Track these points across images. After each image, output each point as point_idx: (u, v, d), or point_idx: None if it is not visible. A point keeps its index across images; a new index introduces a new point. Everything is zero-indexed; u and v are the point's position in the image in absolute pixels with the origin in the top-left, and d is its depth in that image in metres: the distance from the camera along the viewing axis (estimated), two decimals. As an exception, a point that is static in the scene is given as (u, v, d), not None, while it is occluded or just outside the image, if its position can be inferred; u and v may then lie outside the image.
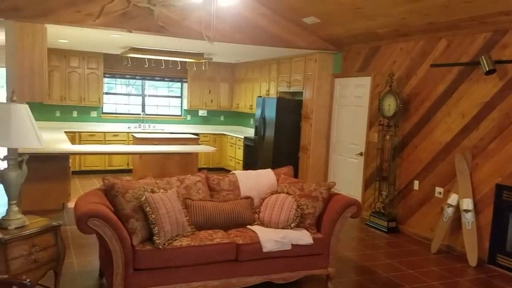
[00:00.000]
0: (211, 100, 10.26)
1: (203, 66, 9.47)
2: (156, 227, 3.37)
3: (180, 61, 9.54)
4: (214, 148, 6.90)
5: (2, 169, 3.04)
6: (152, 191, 3.50)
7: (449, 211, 5.05)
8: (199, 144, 8.36)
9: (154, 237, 3.37)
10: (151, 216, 3.37)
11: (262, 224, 3.95)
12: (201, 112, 10.40)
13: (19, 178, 3.06)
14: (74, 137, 8.60)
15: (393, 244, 5.41)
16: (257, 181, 4.33)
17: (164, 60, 8.86)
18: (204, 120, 10.53)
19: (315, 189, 4.04)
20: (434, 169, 5.47)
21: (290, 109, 7.65)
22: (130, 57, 8.75)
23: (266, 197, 4.12)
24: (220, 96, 10.36)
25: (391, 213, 5.98)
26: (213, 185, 4.18)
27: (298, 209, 3.90)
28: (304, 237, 3.79)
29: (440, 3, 4.53)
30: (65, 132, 8.43)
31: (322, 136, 7.36)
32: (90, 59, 8.97)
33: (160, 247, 3.35)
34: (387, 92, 5.91)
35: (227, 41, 6.32)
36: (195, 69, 9.78)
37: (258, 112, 8.25)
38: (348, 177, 6.91)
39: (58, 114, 9.07)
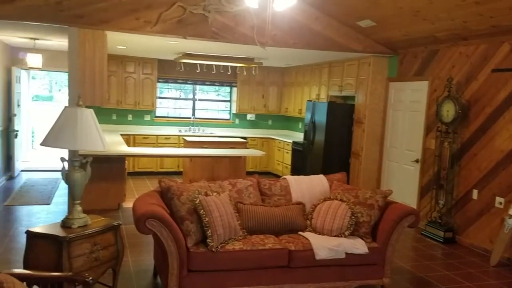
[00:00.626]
0: (264, 104, 10.31)
1: (253, 71, 9.53)
2: (210, 230, 3.41)
3: (231, 66, 9.66)
4: (264, 153, 6.91)
5: (67, 170, 3.18)
6: (206, 194, 3.55)
7: (510, 222, 4.78)
8: (247, 148, 8.40)
9: (207, 240, 3.41)
10: (205, 219, 3.41)
11: (314, 231, 3.90)
12: (249, 116, 10.47)
13: (83, 179, 3.19)
14: (128, 139, 8.89)
15: (450, 255, 5.18)
16: (309, 187, 4.29)
17: (215, 65, 8.99)
18: (252, 124, 10.59)
19: (371, 197, 3.94)
20: (495, 178, 5.19)
21: (342, 113, 7.54)
22: (183, 63, 8.95)
23: (319, 204, 4.06)
24: (269, 100, 10.38)
25: (448, 223, 5.73)
26: (264, 189, 4.18)
27: (353, 217, 3.82)
28: (359, 245, 3.70)
29: (506, 6, 4.30)
30: (121, 134, 8.76)
31: (375, 142, 7.19)
32: (145, 64, 9.28)
33: (213, 249, 3.39)
34: (446, 97, 5.69)
35: (280, 46, 6.32)
36: (245, 73, 9.86)
37: (308, 116, 8.19)
38: (402, 184, 6.70)
39: (114, 117, 9.42)
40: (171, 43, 6.53)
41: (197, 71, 9.21)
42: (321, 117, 7.65)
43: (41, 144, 3.04)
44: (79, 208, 3.19)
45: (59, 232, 3.02)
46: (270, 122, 10.75)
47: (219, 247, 3.43)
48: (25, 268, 2.98)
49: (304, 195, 4.22)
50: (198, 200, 3.46)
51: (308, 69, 9.14)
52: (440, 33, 5.57)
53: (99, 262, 3.15)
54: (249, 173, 9.89)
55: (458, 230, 5.68)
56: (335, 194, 4.11)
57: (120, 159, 6.33)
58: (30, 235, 3.05)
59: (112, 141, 7.02)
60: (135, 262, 4.42)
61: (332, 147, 7.52)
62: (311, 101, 8.28)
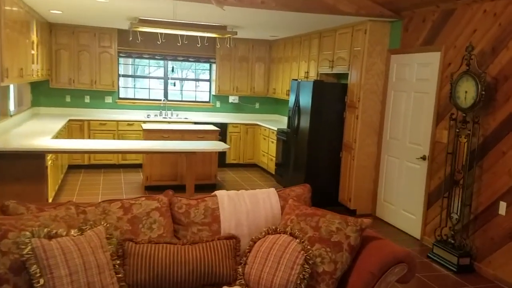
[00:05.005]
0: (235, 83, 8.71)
1: (227, 43, 7.96)
2: (49, 300, 1.98)
3: (207, 38, 8.14)
4: (228, 146, 5.43)
5: None
6: (49, 236, 2.10)
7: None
8: (219, 138, 6.98)
9: (44, 318, 1.98)
10: (38, 282, 1.97)
11: (247, 285, 2.45)
12: (232, 99, 8.93)
13: None
14: (82, 126, 7.50)
15: (466, 295, 3.70)
16: (250, 210, 2.81)
17: (180, 35, 7.46)
18: (237, 108, 9.07)
19: (339, 229, 2.46)
20: (534, 188, 3.67)
21: (331, 95, 5.97)
22: (140, 32, 7.44)
23: (260, 238, 2.60)
24: (255, 79, 8.82)
25: (464, 244, 4.24)
26: (178, 215, 2.71)
27: (306, 266, 2.35)
28: (310, 318, 2.24)
29: None
30: (72, 120, 7.39)
31: (372, 132, 5.63)
32: (102, 35, 7.77)
33: (53, 334, 1.96)
34: (464, 73, 4.14)
35: (244, 5, 4.78)
36: (218, 46, 8.33)
37: (292, 99, 6.66)
38: (405, 187, 5.19)
39: (68, 99, 8.00)
40: (102, 2, 5.03)
41: (158, 42, 7.70)
42: (306, 100, 6.11)
43: None
44: None
45: None
46: (257, 106, 9.22)
47: (65, 327, 2.00)
48: None
49: (241, 223, 2.75)
50: (29, 247, 2.02)
51: (297, 41, 7.55)
52: (459, -18, 3.98)
53: None
54: (232, 166, 8.48)
55: (478, 256, 4.18)
56: (286, 222, 2.64)
57: (37, 155, 4.92)
58: None
59: (32, 131, 5.66)
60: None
61: (319, 137, 6.00)
62: (296, 80, 6.71)
